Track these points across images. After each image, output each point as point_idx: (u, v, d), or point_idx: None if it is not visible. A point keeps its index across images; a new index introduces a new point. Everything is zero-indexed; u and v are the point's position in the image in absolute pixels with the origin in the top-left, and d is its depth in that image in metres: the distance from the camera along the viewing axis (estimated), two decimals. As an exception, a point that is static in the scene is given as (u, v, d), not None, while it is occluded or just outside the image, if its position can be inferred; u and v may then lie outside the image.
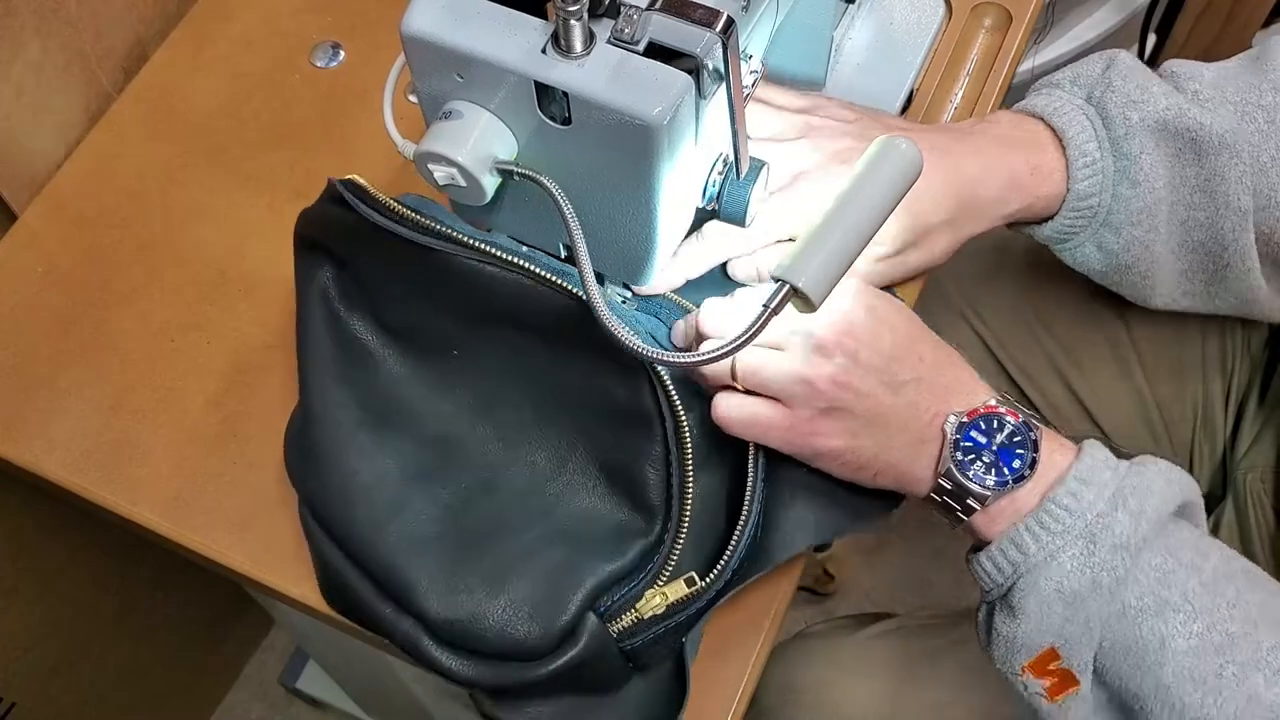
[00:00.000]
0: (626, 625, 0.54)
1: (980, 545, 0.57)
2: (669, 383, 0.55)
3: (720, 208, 0.57)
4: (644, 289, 0.63)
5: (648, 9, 0.47)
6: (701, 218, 0.60)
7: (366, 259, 0.59)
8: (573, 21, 0.47)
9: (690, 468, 0.55)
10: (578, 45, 0.48)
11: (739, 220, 0.57)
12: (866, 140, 0.63)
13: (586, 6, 0.46)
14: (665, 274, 0.63)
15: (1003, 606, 0.56)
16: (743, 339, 0.51)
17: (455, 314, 0.58)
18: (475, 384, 0.59)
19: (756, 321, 0.51)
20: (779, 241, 0.64)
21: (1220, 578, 0.54)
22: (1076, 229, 0.67)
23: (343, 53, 0.79)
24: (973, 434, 0.55)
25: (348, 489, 0.56)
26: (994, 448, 0.55)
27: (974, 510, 0.55)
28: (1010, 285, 0.89)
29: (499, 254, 0.56)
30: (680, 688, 0.57)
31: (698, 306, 0.63)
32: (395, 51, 0.53)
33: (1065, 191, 0.65)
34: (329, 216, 0.60)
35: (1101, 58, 0.66)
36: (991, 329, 0.89)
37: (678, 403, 0.55)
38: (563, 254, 0.59)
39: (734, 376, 0.56)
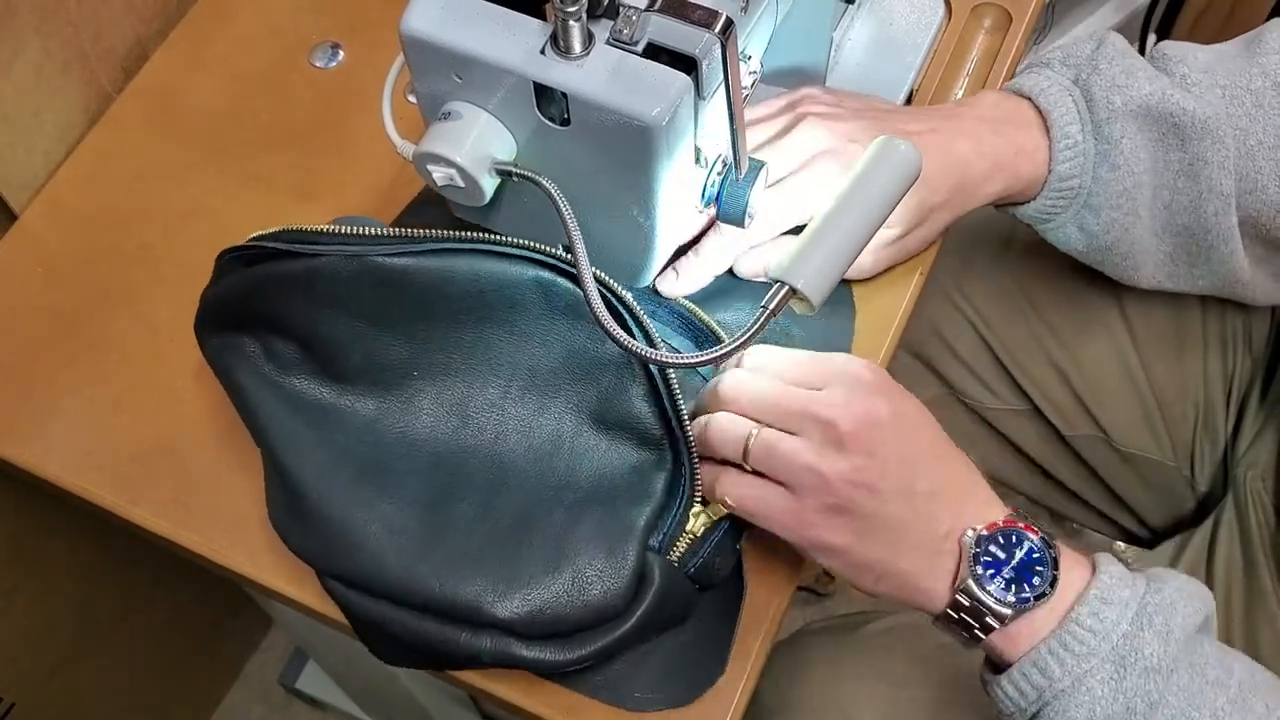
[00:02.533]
0: (684, 550, 0.56)
1: (998, 665, 0.55)
2: (638, 312, 0.54)
3: (719, 209, 0.57)
4: (668, 290, 0.63)
5: (646, 10, 0.47)
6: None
7: (300, 310, 0.57)
8: (571, 22, 0.47)
9: (676, 384, 0.55)
10: (576, 46, 0.48)
11: (738, 221, 0.57)
12: (862, 121, 0.64)
13: (585, 7, 0.46)
14: (690, 274, 0.63)
15: None
16: (742, 339, 0.51)
17: (408, 331, 0.57)
18: (444, 396, 0.58)
19: (756, 322, 0.51)
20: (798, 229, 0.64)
21: (1247, 692, 0.52)
22: (1058, 210, 0.67)
23: (342, 53, 0.79)
24: (991, 548, 0.53)
25: (370, 545, 0.55)
26: (1013, 564, 0.53)
27: (992, 629, 0.53)
28: (1005, 273, 0.89)
29: (459, 235, 0.55)
30: (737, 589, 0.59)
31: (705, 309, 0.63)
32: (395, 51, 0.53)
33: (1047, 173, 0.65)
34: (245, 284, 0.58)
35: (1092, 39, 0.67)
36: (985, 317, 0.89)
37: (647, 321, 0.54)
38: (562, 254, 0.59)
39: (745, 456, 0.54)
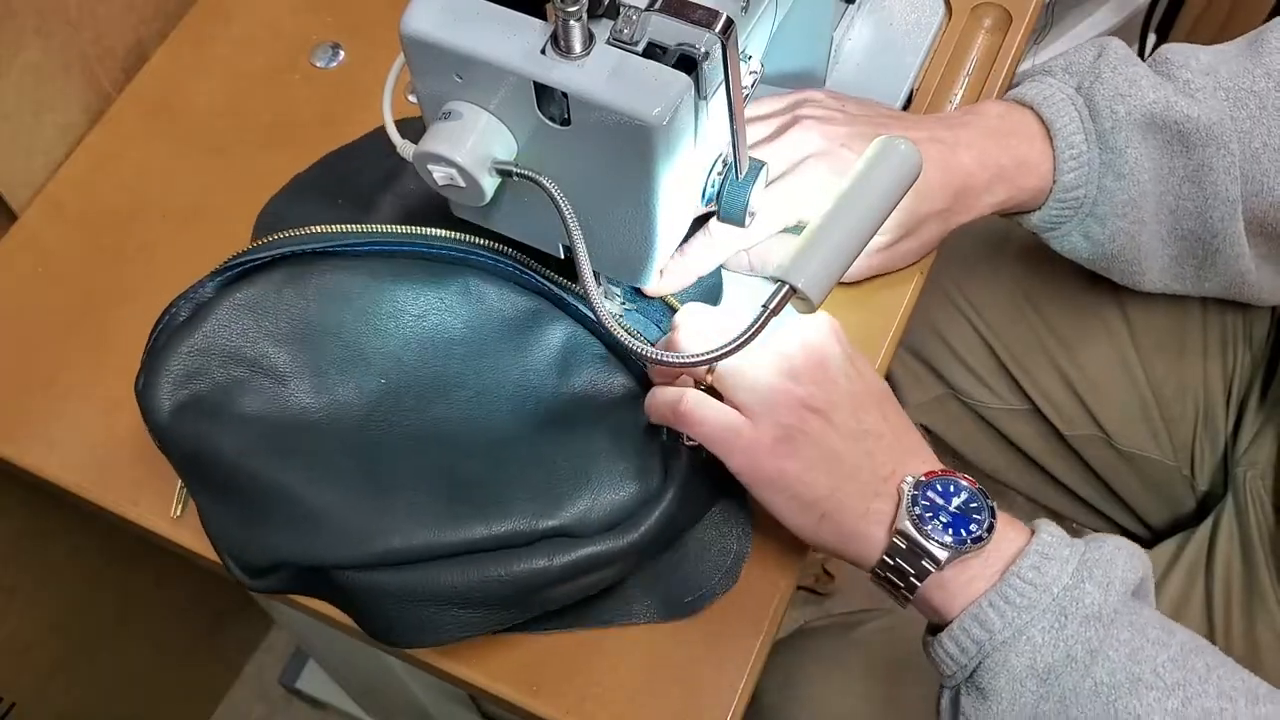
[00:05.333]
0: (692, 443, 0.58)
1: (937, 628, 0.55)
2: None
3: (720, 208, 0.57)
4: (652, 290, 0.63)
5: (647, 9, 0.47)
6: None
7: (285, 330, 0.59)
8: (572, 22, 0.47)
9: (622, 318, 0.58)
10: (577, 46, 0.48)
11: (738, 220, 0.57)
12: (858, 126, 0.64)
13: (586, 7, 0.46)
14: (673, 274, 0.63)
15: (969, 689, 0.54)
16: (743, 339, 0.51)
17: (374, 333, 0.60)
18: (417, 392, 0.60)
19: (756, 321, 0.51)
20: (784, 230, 0.64)
21: (1189, 652, 0.52)
22: (1063, 219, 0.67)
23: (343, 53, 0.79)
24: (930, 494, 0.54)
25: (402, 516, 0.55)
26: (951, 509, 0.54)
27: (928, 573, 0.53)
28: (1004, 273, 0.89)
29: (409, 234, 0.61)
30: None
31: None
32: (395, 51, 0.53)
33: (1052, 184, 0.65)
34: (214, 327, 0.59)
35: (1094, 46, 0.66)
36: (985, 317, 0.89)
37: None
38: (562, 254, 0.59)
39: (711, 372, 0.56)
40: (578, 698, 0.58)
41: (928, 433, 0.95)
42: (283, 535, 0.55)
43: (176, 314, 0.60)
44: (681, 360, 0.52)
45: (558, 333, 0.63)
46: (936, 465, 0.56)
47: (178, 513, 0.62)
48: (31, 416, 0.66)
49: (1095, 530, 0.98)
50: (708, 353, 0.51)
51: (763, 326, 0.51)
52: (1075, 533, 0.56)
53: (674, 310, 0.64)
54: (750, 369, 0.55)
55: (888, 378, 0.91)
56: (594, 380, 0.62)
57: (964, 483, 0.54)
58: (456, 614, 0.55)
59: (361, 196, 0.66)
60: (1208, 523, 0.81)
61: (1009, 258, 0.90)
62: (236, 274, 0.60)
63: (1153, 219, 0.66)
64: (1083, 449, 0.88)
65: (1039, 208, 0.67)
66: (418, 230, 0.62)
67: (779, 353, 0.55)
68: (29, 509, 0.86)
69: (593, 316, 0.57)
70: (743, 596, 0.60)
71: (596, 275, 0.61)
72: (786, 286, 0.52)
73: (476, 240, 0.62)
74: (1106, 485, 0.90)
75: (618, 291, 0.64)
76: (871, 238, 0.53)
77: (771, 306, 0.51)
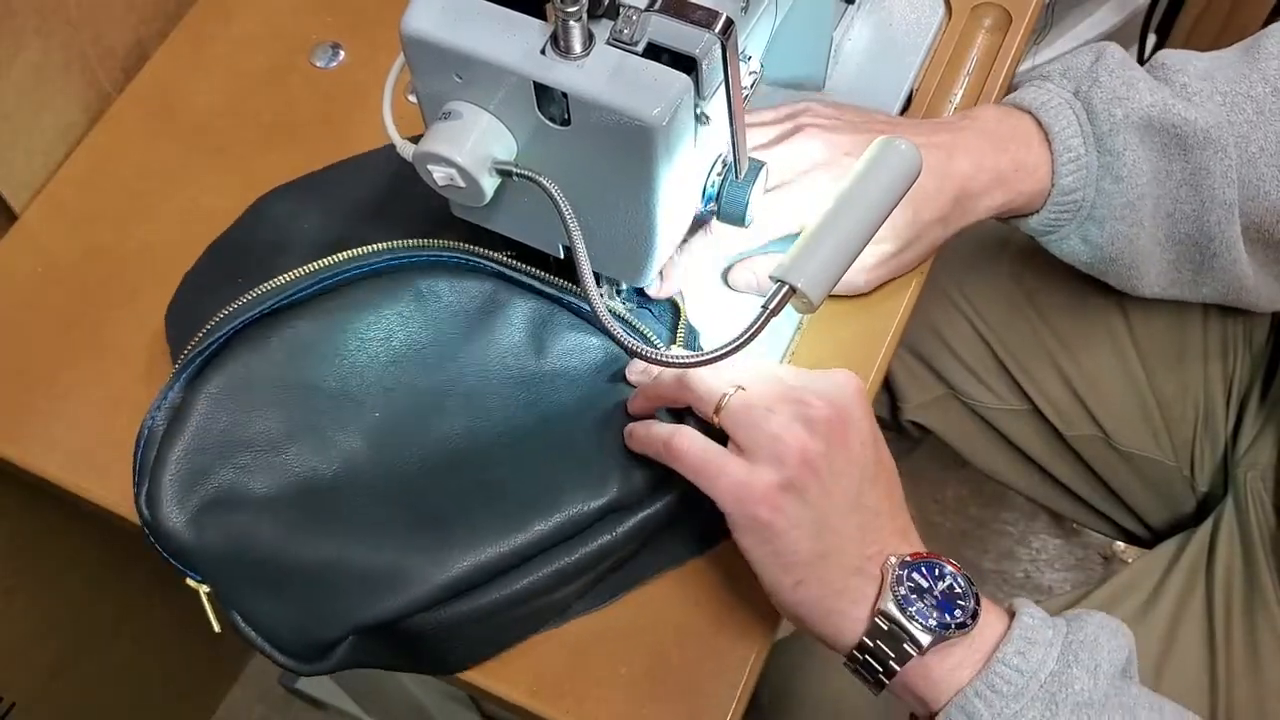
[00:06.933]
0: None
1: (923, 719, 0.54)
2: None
3: (719, 209, 0.57)
4: (654, 293, 0.63)
5: (647, 10, 0.47)
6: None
7: (281, 407, 0.59)
8: (572, 22, 0.47)
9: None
10: (577, 46, 0.48)
11: (738, 221, 0.57)
12: (860, 134, 0.64)
13: (586, 7, 0.46)
14: (673, 275, 0.63)
15: None
16: (742, 339, 0.51)
17: (351, 371, 0.60)
18: (413, 412, 0.60)
19: (756, 322, 0.51)
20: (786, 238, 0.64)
21: None
22: (1061, 223, 0.67)
23: (343, 53, 0.79)
24: (915, 575, 0.52)
25: (467, 541, 0.55)
26: (936, 594, 0.52)
27: (909, 657, 0.51)
28: (1004, 273, 0.89)
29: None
30: None
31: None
32: (395, 51, 0.53)
33: (1050, 187, 0.65)
34: (213, 422, 0.58)
35: (1091, 51, 0.67)
36: (985, 317, 0.89)
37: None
38: (562, 254, 0.59)
39: (717, 410, 0.54)
40: (578, 698, 0.58)
41: (927, 433, 0.95)
42: (352, 599, 0.54)
43: (155, 427, 0.59)
44: (678, 361, 0.52)
45: (519, 310, 0.62)
46: (921, 548, 0.55)
47: (218, 628, 0.58)
48: (32, 416, 0.66)
49: (1095, 531, 0.98)
50: (705, 353, 0.51)
51: (762, 327, 0.51)
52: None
53: (678, 309, 0.64)
54: (761, 407, 0.53)
55: (888, 378, 0.91)
56: (571, 347, 0.62)
57: (949, 567, 0.53)
58: (533, 606, 0.57)
59: (260, 266, 0.65)
60: (1208, 523, 0.81)
61: (1009, 258, 0.90)
62: (198, 368, 0.60)
63: (1150, 223, 0.66)
64: (1083, 449, 0.88)
65: (1037, 211, 0.67)
66: (351, 253, 0.62)
67: (799, 399, 0.53)
68: (29, 509, 0.86)
69: (549, 293, 0.61)
70: (744, 597, 0.60)
71: (598, 277, 0.61)
72: (786, 286, 0.52)
73: (410, 241, 0.62)
74: (1106, 485, 0.90)
75: (620, 292, 0.64)
76: (872, 237, 0.53)
77: (771, 307, 0.51)
